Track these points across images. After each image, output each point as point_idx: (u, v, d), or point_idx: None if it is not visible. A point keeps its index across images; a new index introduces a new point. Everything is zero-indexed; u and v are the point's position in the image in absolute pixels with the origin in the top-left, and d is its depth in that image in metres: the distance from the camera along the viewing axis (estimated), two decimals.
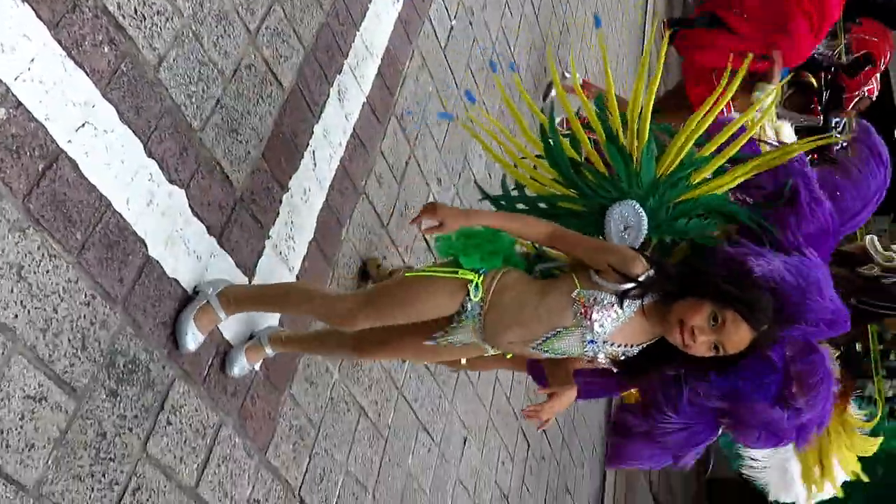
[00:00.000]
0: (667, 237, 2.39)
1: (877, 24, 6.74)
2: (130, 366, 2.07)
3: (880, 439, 2.91)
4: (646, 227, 2.32)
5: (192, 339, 2.24)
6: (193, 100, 2.35)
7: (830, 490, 2.88)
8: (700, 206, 2.37)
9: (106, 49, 2.05)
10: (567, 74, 5.37)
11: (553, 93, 5.24)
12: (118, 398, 2.03)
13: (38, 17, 1.87)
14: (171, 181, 2.24)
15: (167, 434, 2.18)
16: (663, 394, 2.39)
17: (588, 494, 6.14)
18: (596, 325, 2.05)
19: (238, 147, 2.53)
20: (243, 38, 2.60)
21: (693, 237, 2.36)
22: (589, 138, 2.47)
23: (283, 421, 2.66)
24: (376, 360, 3.16)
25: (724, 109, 2.48)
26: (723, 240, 2.35)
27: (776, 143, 2.64)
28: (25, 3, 1.84)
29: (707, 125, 2.38)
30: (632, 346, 2.11)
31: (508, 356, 2.46)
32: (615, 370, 2.24)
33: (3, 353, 1.74)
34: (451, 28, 4.19)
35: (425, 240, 3.70)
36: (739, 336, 2.01)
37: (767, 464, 2.88)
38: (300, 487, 2.74)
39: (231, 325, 2.42)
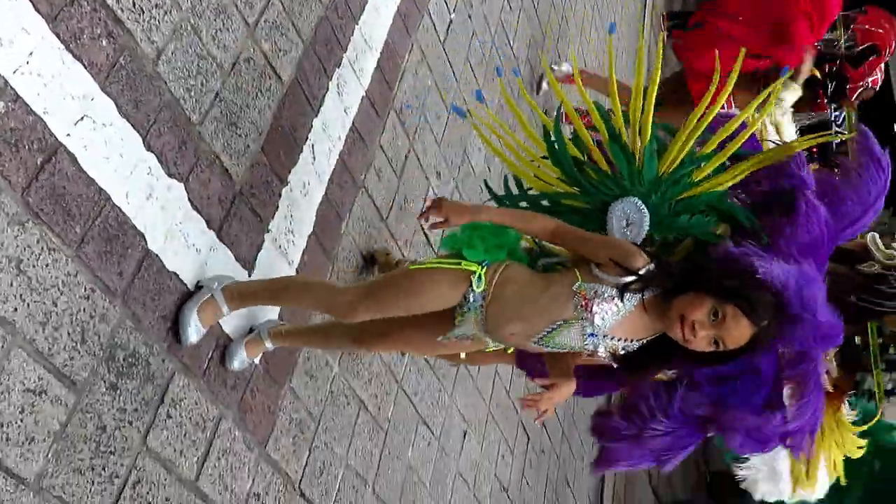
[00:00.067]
0: (669, 234, 2.39)
1: (882, 12, 6.64)
2: (130, 359, 2.07)
3: (866, 441, 2.92)
4: (647, 223, 2.33)
5: (195, 331, 2.24)
6: (192, 93, 2.35)
7: (820, 490, 2.88)
8: (701, 203, 2.38)
9: (104, 42, 2.05)
10: (567, 64, 5.37)
11: (545, 85, 5.25)
12: (118, 391, 2.03)
13: (37, 10, 1.86)
14: (171, 175, 2.24)
15: (167, 427, 2.18)
16: (655, 399, 2.40)
17: (588, 487, 6.15)
18: (596, 318, 2.06)
19: (237, 141, 2.53)
20: (242, 31, 2.59)
21: (695, 234, 2.36)
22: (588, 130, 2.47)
23: (282, 414, 2.67)
24: (377, 352, 3.17)
25: (725, 105, 2.48)
26: (725, 237, 2.35)
27: (777, 142, 2.63)
28: None
29: (707, 123, 2.38)
30: (632, 341, 2.12)
31: (509, 351, 2.47)
32: (615, 365, 2.25)
33: (2, 347, 1.74)
34: (451, 22, 4.19)
35: (425, 234, 3.70)
36: (740, 331, 2.01)
37: (756, 462, 2.89)
38: (300, 481, 2.75)
39: (231, 319, 2.43)
